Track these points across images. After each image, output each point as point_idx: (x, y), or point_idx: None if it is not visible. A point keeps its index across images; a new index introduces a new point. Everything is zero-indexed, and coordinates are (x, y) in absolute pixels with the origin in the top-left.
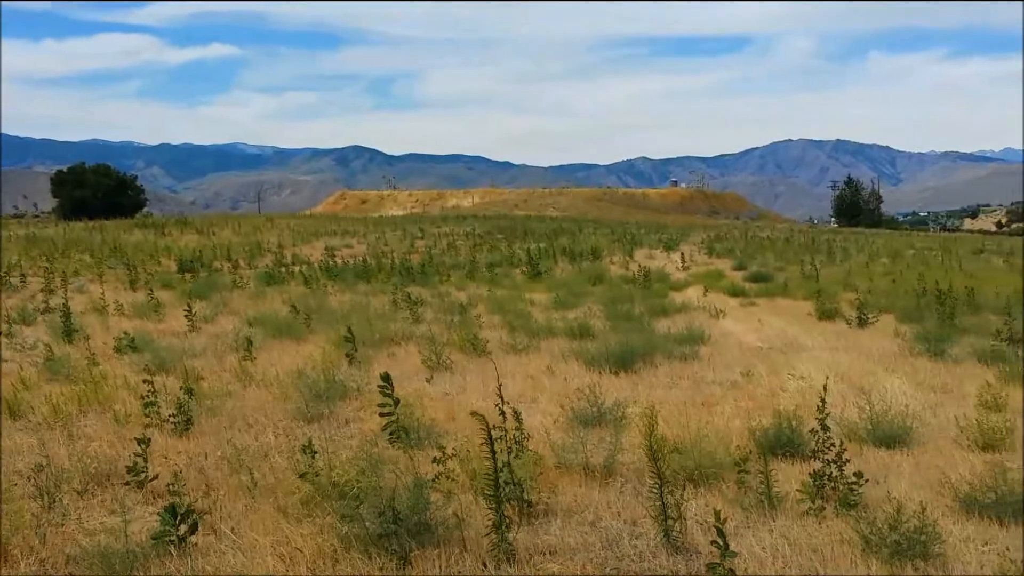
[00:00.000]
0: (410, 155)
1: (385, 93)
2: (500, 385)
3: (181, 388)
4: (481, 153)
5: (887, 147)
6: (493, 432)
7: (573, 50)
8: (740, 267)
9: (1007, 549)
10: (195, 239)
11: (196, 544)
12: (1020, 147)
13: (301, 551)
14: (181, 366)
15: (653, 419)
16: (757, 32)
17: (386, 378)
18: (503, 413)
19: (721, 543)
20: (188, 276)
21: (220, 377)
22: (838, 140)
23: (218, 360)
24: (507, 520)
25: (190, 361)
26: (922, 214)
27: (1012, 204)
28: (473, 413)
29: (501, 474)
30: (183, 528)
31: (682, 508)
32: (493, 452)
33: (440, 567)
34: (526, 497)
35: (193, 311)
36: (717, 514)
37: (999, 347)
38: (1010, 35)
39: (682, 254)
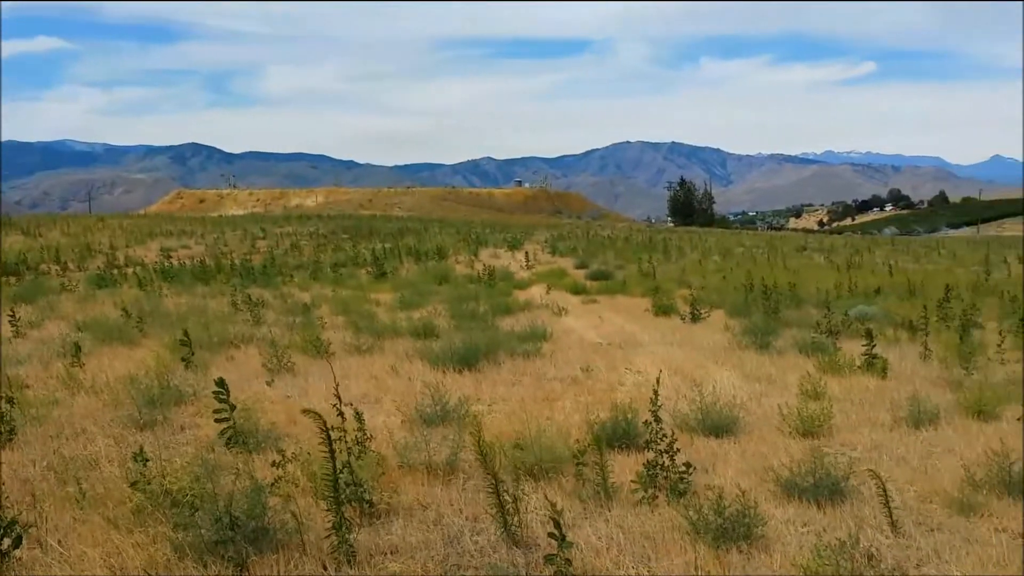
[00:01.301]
0: (250, 153)
1: (224, 89)
2: (337, 385)
3: (2, 397)
4: (324, 152)
5: (718, 149)
6: (334, 433)
7: (414, 49)
8: (582, 265)
9: (823, 530)
10: (20, 241)
11: (21, 558)
12: (840, 150)
13: (132, 562)
14: (3, 374)
15: (479, 423)
16: (595, 36)
17: (221, 382)
18: (341, 414)
19: (558, 535)
20: (12, 280)
21: (46, 384)
22: (673, 142)
23: (44, 367)
24: (348, 521)
25: (14, 369)
26: (751, 213)
27: (832, 204)
28: (306, 411)
29: (341, 475)
30: (6, 542)
31: (522, 503)
32: (332, 453)
33: (278, 571)
34: (367, 498)
35: (18, 316)
36: (553, 506)
37: (819, 339)
38: (828, 42)
39: (526, 253)
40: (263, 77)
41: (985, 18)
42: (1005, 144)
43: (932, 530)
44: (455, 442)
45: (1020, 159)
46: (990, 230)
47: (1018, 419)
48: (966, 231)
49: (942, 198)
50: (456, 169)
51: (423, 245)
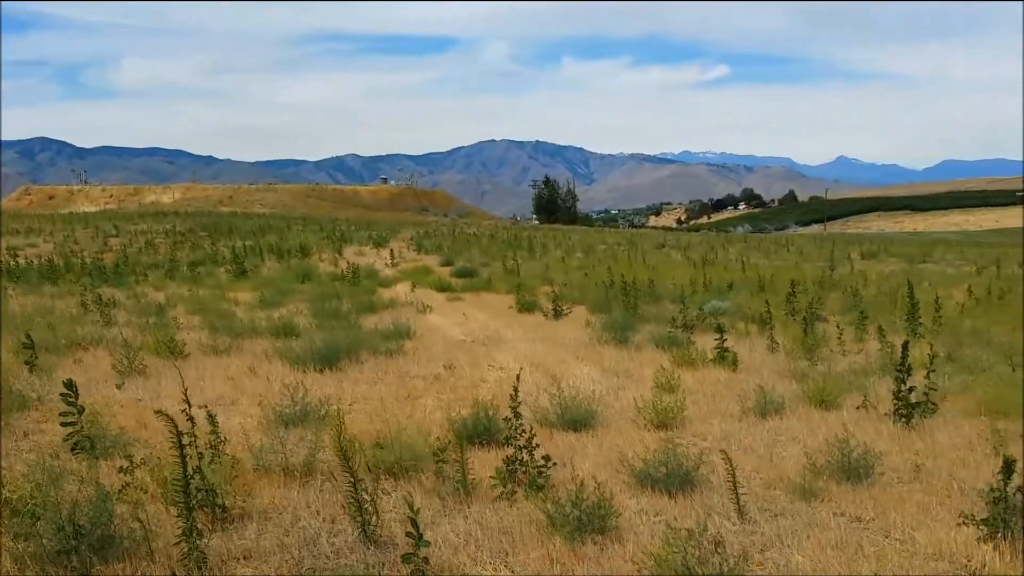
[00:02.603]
0: (104, 148)
1: (74, 82)
2: (186, 389)
3: None
4: (183, 147)
5: (581, 148)
6: (186, 437)
7: (275, 43)
8: (447, 263)
9: (675, 518)
10: None
11: None
12: (696, 150)
13: None
14: None
15: (341, 420)
16: (461, 34)
17: (69, 385)
18: (191, 418)
19: (415, 533)
20: None
21: None
22: (538, 141)
23: None
24: (199, 527)
25: None
26: (613, 212)
27: (690, 202)
28: (158, 412)
29: (193, 480)
30: None
31: (380, 502)
32: (183, 458)
33: None
34: (220, 502)
35: None
36: (411, 505)
37: (674, 333)
38: (684, 45)
39: (391, 251)
40: (118, 70)
41: (832, 23)
42: (849, 145)
43: (776, 516)
44: (313, 443)
45: (863, 159)
46: (836, 227)
47: (857, 408)
48: (814, 228)
49: (791, 197)
50: (321, 166)
51: (286, 243)
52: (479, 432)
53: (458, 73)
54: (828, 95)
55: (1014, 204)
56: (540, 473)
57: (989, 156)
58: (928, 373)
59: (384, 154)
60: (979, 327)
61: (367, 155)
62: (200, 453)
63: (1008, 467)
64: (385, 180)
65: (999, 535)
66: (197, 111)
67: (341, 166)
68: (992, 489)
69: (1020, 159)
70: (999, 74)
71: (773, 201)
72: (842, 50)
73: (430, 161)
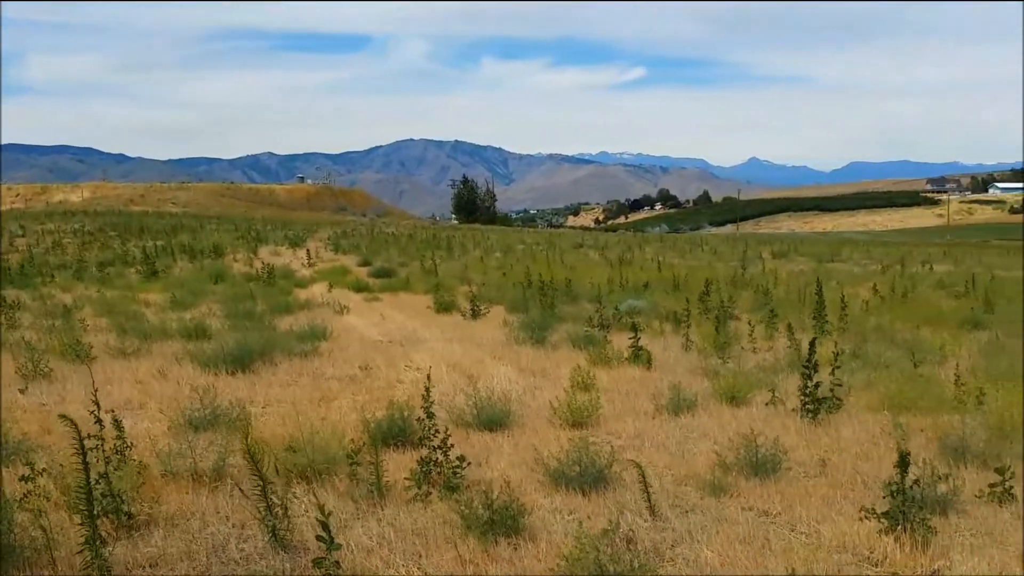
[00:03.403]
0: (10, 145)
1: None
2: (96, 391)
3: None
4: (92, 144)
5: (500, 148)
6: (90, 442)
7: (186, 39)
8: (365, 263)
9: (588, 517)
10: None
11: None
12: (613, 151)
13: None
14: None
15: (250, 426)
16: (377, 33)
17: None
18: (99, 421)
19: (327, 537)
20: None
21: None
22: (457, 141)
23: None
24: (103, 535)
25: None
26: (532, 211)
27: (608, 202)
28: (62, 416)
29: (97, 487)
30: None
31: (292, 506)
32: (85, 464)
33: None
34: (126, 509)
35: None
36: (321, 508)
37: (591, 332)
38: (601, 48)
39: (308, 251)
40: (23, 66)
41: (745, 28)
42: (761, 147)
43: (687, 512)
44: (223, 447)
45: (774, 161)
46: (748, 227)
47: (766, 404)
48: (727, 229)
49: (706, 198)
50: (235, 164)
51: (199, 243)
52: (394, 433)
53: (375, 72)
54: (741, 98)
55: (918, 204)
56: (455, 474)
57: (894, 158)
58: (833, 369)
59: (301, 152)
60: (883, 324)
61: (283, 153)
62: (106, 459)
63: (904, 461)
64: (302, 179)
65: (899, 527)
66: (106, 108)
67: (257, 164)
68: (891, 482)
69: (924, 161)
70: (902, 78)
71: (688, 201)
72: (754, 54)
73: (348, 160)
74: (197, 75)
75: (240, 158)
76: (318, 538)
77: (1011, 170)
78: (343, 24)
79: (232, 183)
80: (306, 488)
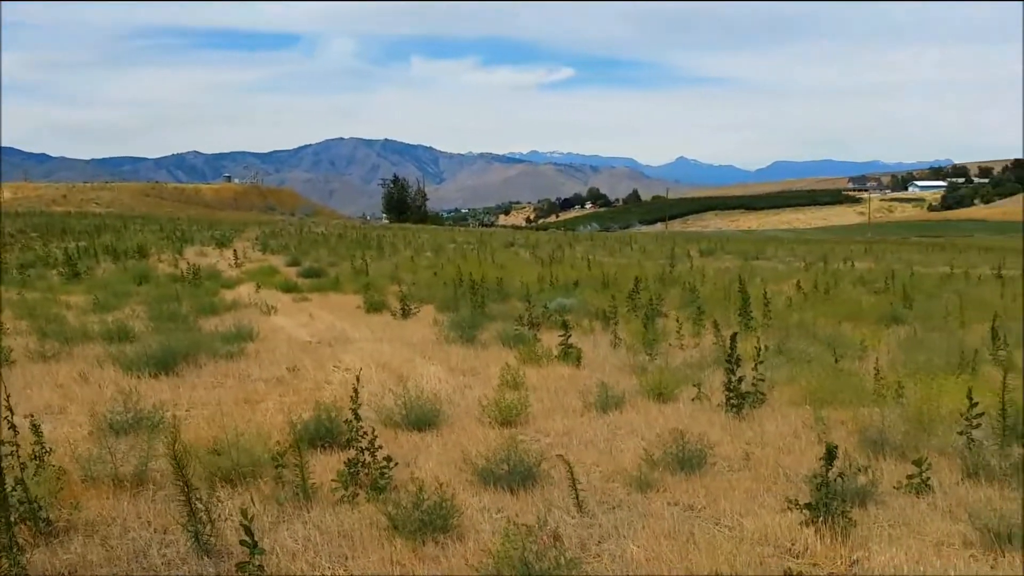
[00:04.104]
0: None
1: None
2: (7, 396)
3: None
4: (12, 144)
5: (431, 147)
6: (5, 448)
7: (107, 37)
8: (294, 263)
9: (516, 515)
10: None
11: None
12: (544, 150)
13: None
14: None
15: (174, 429)
16: (306, 31)
17: None
18: (13, 427)
19: (250, 541)
20: None
21: None
22: (387, 139)
23: None
24: (20, 542)
25: None
26: (463, 210)
27: (539, 201)
28: None
29: (14, 493)
30: None
31: (216, 510)
32: (0, 470)
33: None
34: (44, 515)
35: None
36: (245, 512)
37: (521, 331)
38: (531, 47)
39: (235, 251)
40: None
41: (671, 29)
42: (688, 147)
43: (613, 508)
44: (146, 451)
45: (701, 160)
46: (677, 226)
47: (692, 400)
48: (657, 227)
49: (635, 196)
50: (161, 163)
51: (122, 243)
52: (321, 435)
53: (304, 70)
54: (669, 98)
55: (840, 203)
56: (382, 475)
57: (817, 158)
58: (756, 365)
59: (228, 151)
60: (806, 320)
61: (210, 152)
62: (21, 464)
63: (831, 454)
64: (229, 178)
65: (820, 519)
66: (26, 107)
67: (182, 164)
68: (815, 475)
69: (846, 160)
70: (825, 79)
71: (618, 200)
72: (682, 55)
73: (276, 159)
74: (121, 73)
75: (165, 157)
76: (242, 542)
77: (930, 168)
78: (271, 23)
79: (157, 183)
80: (231, 492)
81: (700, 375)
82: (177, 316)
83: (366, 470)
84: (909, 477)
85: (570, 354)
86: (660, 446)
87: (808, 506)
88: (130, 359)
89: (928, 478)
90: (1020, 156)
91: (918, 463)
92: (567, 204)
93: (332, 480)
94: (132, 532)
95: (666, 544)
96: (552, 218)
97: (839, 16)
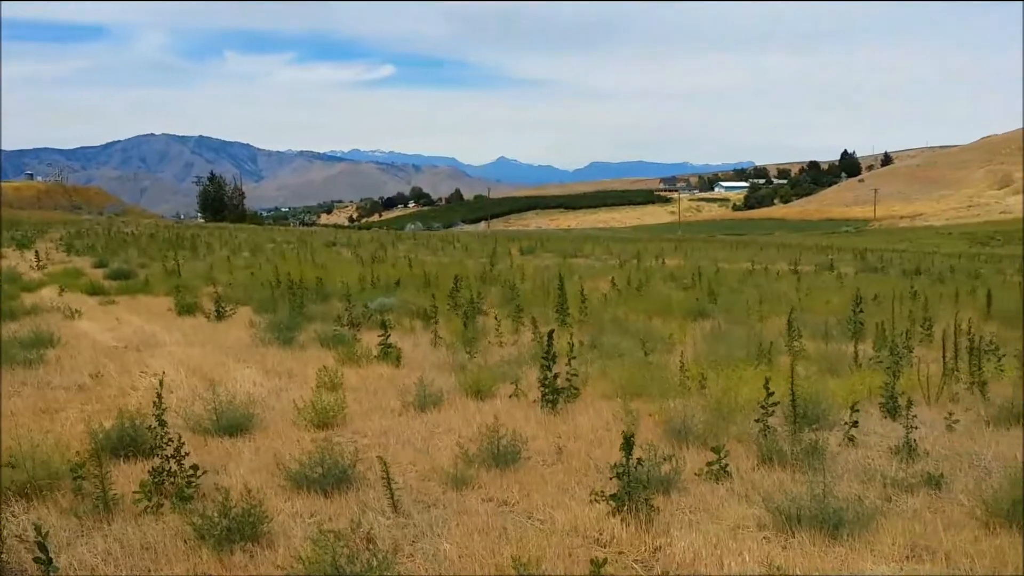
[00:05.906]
0: None
1: None
2: None
3: None
4: None
5: (248, 145)
6: None
7: None
8: (101, 265)
9: (329, 519)
10: None
11: None
12: (365, 148)
13: None
14: None
15: None
16: (112, 23)
17: None
18: None
19: (44, 557)
20: None
21: None
22: (201, 136)
23: None
24: None
25: None
26: (283, 209)
27: (361, 200)
28: None
29: None
30: None
31: (7, 526)
32: None
33: None
34: None
35: None
36: (38, 528)
37: (340, 331)
38: (349, 44)
39: (37, 252)
40: None
41: (489, 30)
42: (508, 147)
43: (429, 506)
44: None
45: (521, 160)
46: (499, 225)
47: (509, 396)
48: (479, 226)
49: (458, 196)
50: None
51: None
52: (125, 444)
53: (111, 63)
54: (489, 99)
55: (652, 202)
56: (189, 483)
57: (631, 158)
58: (569, 360)
59: (31, 148)
60: (619, 316)
61: (10, 149)
62: None
63: (628, 443)
64: (31, 176)
65: (625, 508)
66: None
67: None
68: (616, 465)
69: (657, 161)
70: (636, 83)
71: (441, 199)
72: (502, 56)
73: (83, 156)
74: None
75: None
76: (36, 560)
77: (734, 170)
78: (74, 14)
79: None
80: (26, 506)
81: (518, 372)
82: None
83: (171, 479)
84: (709, 464)
85: (390, 354)
86: (476, 443)
87: (612, 496)
88: None
89: (727, 464)
90: (814, 159)
91: (716, 450)
92: (390, 203)
93: (134, 491)
94: None
95: (479, 540)
96: (375, 217)
97: (653, 19)
